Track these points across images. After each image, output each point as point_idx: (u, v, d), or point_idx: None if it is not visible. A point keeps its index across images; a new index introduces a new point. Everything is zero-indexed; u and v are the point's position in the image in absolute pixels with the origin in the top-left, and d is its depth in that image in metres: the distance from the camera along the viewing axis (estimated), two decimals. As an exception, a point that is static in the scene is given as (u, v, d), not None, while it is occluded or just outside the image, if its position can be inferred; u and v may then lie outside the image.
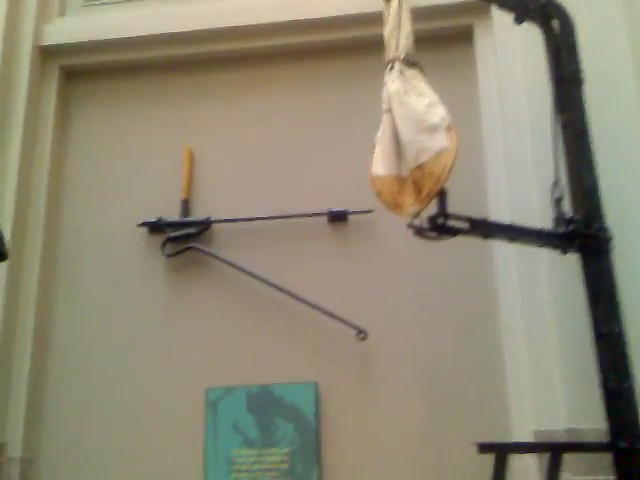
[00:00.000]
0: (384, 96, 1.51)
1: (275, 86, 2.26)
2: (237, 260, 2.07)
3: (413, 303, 1.99)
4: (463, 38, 2.15)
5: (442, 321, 1.96)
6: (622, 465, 1.38)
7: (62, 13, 2.41)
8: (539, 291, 1.82)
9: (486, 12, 2.07)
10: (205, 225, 2.12)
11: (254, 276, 2.04)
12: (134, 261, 2.16)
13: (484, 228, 1.47)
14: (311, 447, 1.88)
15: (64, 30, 2.34)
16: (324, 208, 2.07)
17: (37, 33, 2.32)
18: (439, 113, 1.43)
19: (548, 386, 1.74)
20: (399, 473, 1.86)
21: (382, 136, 1.51)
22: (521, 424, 1.78)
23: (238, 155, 2.21)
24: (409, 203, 1.45)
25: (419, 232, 1.45)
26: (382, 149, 1.50)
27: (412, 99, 1.45)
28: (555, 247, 1.54)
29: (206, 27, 2.24)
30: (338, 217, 2.08)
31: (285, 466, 1.87)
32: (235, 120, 2.25)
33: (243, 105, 2.26)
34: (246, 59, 2.29)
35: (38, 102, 2.29)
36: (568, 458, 1.51)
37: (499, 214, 1.87)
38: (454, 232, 1.42)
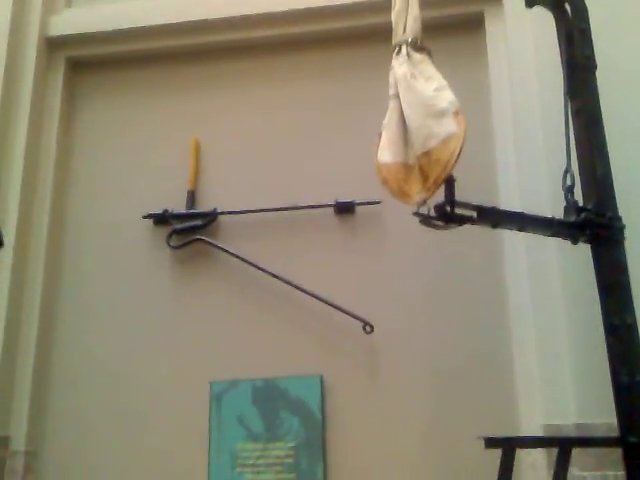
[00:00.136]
0: (391, 81, 1.47)
1: (282, 76, 2.23)
2: (243, 252, 2.04)
3: (420, 296, 1.96)
4: (474, 25, 2.11)
5: (450, 314, 1.92)
6: (632, 460, 1.34)
7: (68, 4, 2.39)
8: (549, 282, 1.78)
9: (497, -2, 2.04)
10: (211, 217, 2.10)
11: (260, 268, 2.02)
12: (139, 253, 2.14)
13: (492, 217, 1.42)
14: (316, 441, 1.85)
15: (70, 21, 2.33)
16: (331, 199, 2.04)
17: (43, 24, 2.30)
18: (447, 97, 1.38)
19: (557, 379, 1.71)
20: (405, 467, 1.83)
21: (388, 122, 1.47)
22: (530, 418, 1.74)
23: (244, 146, 2.18)
24: (416, 191, 1.41)
25: (425, 221, 1.41)
26: (388, 136, 1.47)
27: (420, 83, 1.41)
28: (566, 236, 1.50)
29: (213, 16, 2.21)
30: (345, 208, 2.05)
31: (290, 460, 1.85)
32: (242, 110, 2.22)
33: (250, 95, 2.24)
34: (253, 49, 2.26)
35: (44, 93, 2.28)
36: (577, 453, 1.47)
37: (509, 203, 1.84)
38: (461, 221, 1.38)
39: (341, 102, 2.16)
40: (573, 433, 1.63)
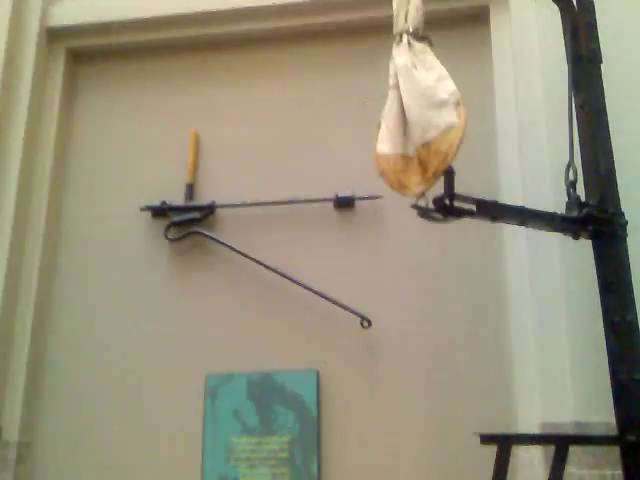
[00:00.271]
0: (391, 71, 1.44)
1: (282, 69, 2.22)
2: (241, 246, 2.03)
3: (419, 291, 1.94)
4: (478, 18, 2.09)
5: (448, 310, 1.90)
6: (630, 459, 1.32)
7: (69, -6, 2.38)
8: (550, 278, 1.76)
9: (502, -9, 2.02)
10: (209, 210, 2.08)
11: (258, 262, 2.00)
12: (137, 245, 2.13)
13: (492, 210, 1.40)
14: (311, 436, 1.83)
15: (71, 12, 2.31)
16: (331, 193, 2.02)
17: (43, 15, 2.28)
18: (448, 88, 1.35)
19: (556, 377, 1.68)
20: (401, 464, 1.81)
21: (388, 113, 1.44)
22: (528, 416, 1.72)
23: (243, 139, 2.16)
24: (414, 183, 1.39)
25: (424, 213, 1.38)
26: (388, 126, 1.43)
27: (420, 73, 1.38)
28: (567, 232, 1.47)
29: (213, 9, 2.19)
30: (345, 203, 2.03)
31: (284, 455, 1.83)
32: (242, 104, 2.21)
33: (250, 89, 2.22)
34: (253, 42, 2.25)
35: (44, 84, 2.26)
36: (575, 451, 1.46)
37: (511, 197, 1.81)
38: (460, 214, 1.35)
39: (341, 95, 2.14)
40: (571, 431, 1.61)
